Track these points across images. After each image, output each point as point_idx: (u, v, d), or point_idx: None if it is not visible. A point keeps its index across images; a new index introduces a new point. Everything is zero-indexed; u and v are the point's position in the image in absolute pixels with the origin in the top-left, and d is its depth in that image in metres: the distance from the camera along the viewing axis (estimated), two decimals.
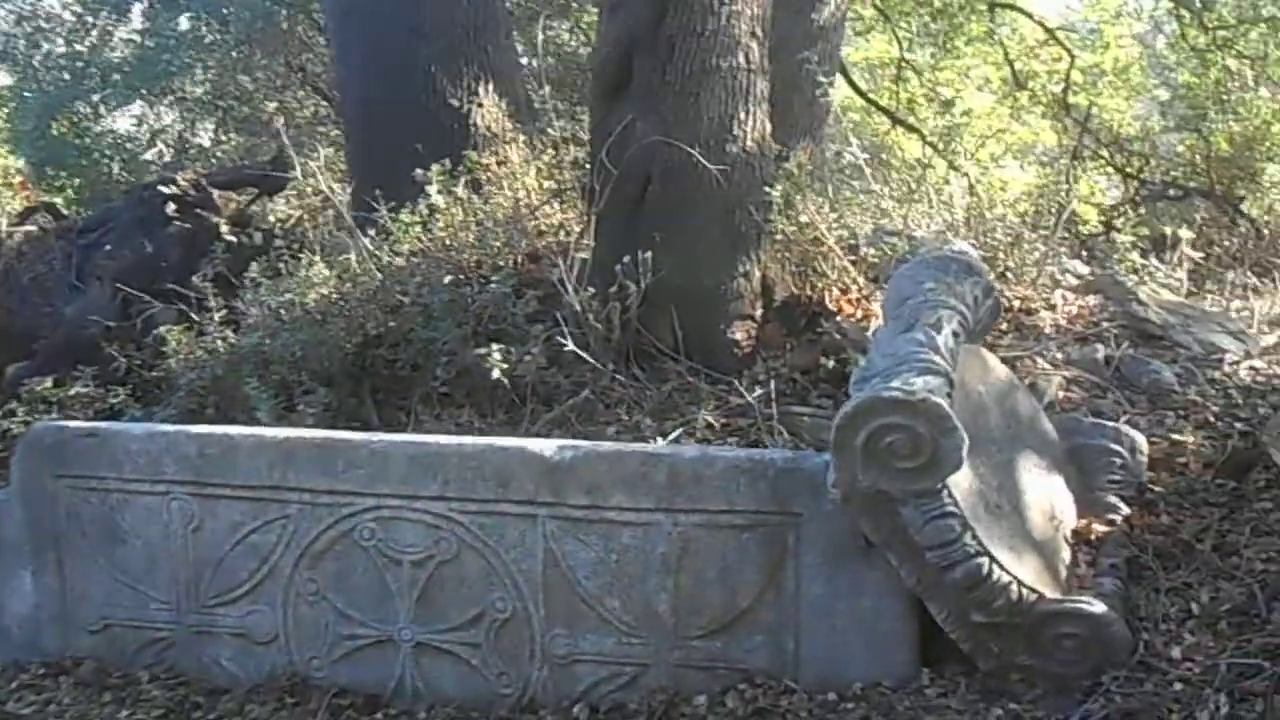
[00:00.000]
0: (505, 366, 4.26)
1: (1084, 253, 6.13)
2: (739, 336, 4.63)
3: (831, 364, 4.52)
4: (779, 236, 4.62)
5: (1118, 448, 3.87)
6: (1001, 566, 3.30)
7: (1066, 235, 6.15)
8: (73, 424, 4.08)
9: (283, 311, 5.00)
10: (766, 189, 4.52)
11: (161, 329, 5.15)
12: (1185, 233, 5.62)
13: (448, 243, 5.28)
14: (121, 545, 4.04)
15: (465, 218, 5.35)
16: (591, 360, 4.37)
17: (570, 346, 4.28)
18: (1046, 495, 3.66)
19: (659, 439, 4.14)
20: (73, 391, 5.10)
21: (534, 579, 3.72)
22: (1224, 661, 3.24)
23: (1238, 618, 3.45)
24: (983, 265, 3.70)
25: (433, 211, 5.31)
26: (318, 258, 5.57)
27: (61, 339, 6.18)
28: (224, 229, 6.98)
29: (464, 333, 4.74)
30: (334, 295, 5.19)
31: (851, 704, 3.48)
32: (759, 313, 4.71)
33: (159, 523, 3.98)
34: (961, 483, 3.33)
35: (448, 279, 5.07)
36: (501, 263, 5.11)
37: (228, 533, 3.92)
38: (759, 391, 4.35)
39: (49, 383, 5.14)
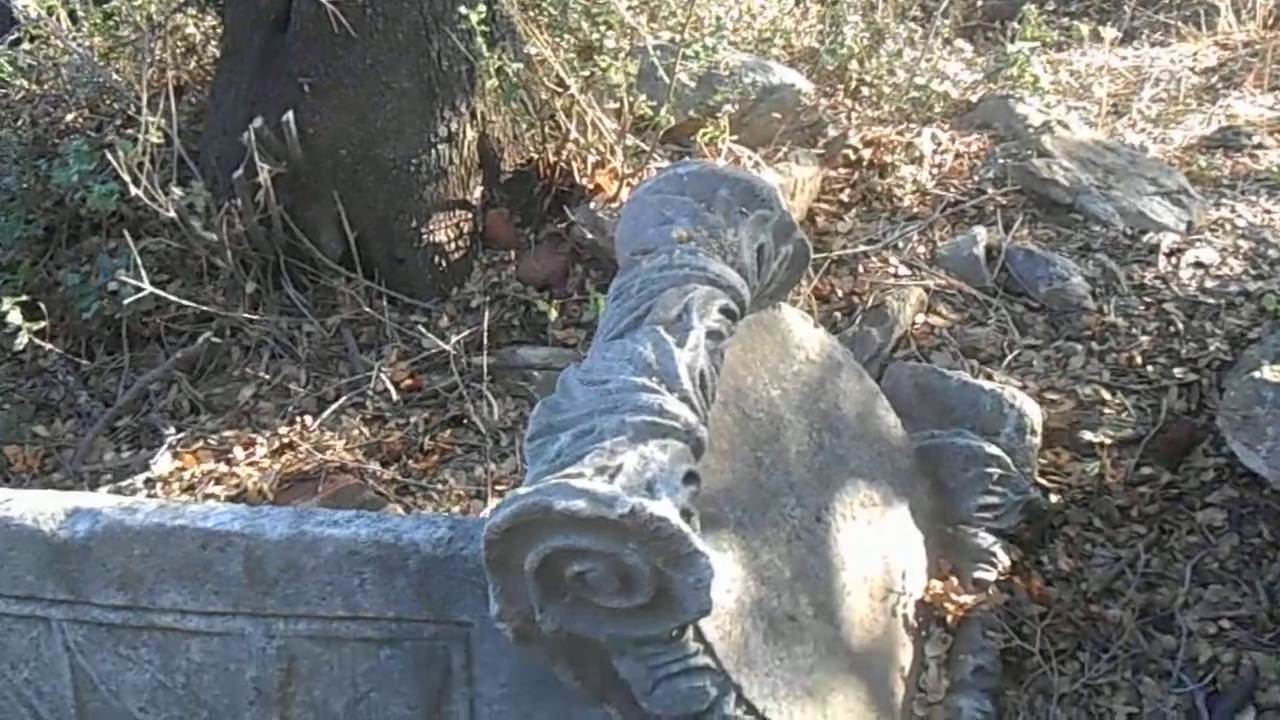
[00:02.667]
0: (38, 327, 2.65)
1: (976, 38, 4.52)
2: (442, 236, 3.04)
3: (588, 272, 2.99)
4: (496, 77, 2.95)
5: (992, 450, 2.45)
6: None
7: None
8: None
9: None
10: (463, 6, 2.81)
11: None
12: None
13: (39, 85, 3.53)
14: None
15: (66, 40, 3.57)
16: (184, 301, 2.78)
17: (145, 287, 2.66)
18: (879, 554, 2.26)
19: (301, 421, 2.64)
20: None
21: (64, 709, 2.30)
22: None
23: None
24: (772, 188, 2.13)
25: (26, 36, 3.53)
26: None
27: None
28: None
29: (31, 233, 3.08)
30: None
31: None
32: (475, 195, 3.10)
33: None
34: (725, 600, 1.92)
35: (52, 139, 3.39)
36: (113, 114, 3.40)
37: None
38: (467, 331, 2.81)
39: None
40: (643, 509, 1.67)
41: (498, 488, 2.67)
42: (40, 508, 2.20)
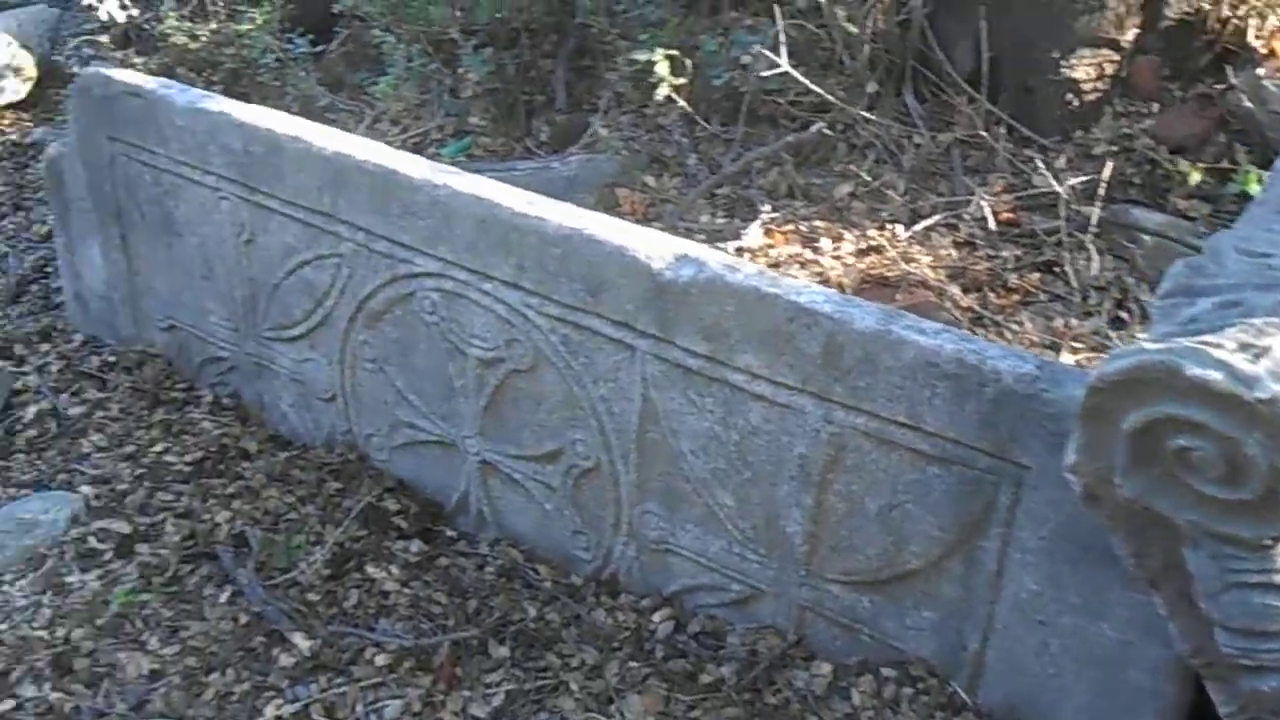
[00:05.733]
0: (678, 83, 2.79)
1: None
2: (1081, 73, 2.85)
3: (1228, 143, 2.71)
4: None
5: None
6: None
7: None
8: (120, 75, 3.11)
9: None
10: None
11: None
12: None
13: None
14: (178, 239, 3.17)
15: None
16: (815, 88, 2.80)
17: (778, 60, 2.72)
18: None
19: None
20: None
21: (626, 430, 2.52)
22: None
23: None
24: None
25: None
26: None
27: None
28: None
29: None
30: None
31: None
32: (1128, 37, 2.86)
33: (211, 222, 3.05)
34: None
35: None
36: None
37: (281, 256, 2.95)
38: (1083, 177, 2.66)
39: None
40: None
41: (1074, 344, 2.54)
42: (653, 246, 2.36)
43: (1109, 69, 2.86)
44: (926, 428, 2.13)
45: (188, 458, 3.11)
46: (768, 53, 2.76)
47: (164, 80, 3.03)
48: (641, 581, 2.66)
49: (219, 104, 2.93)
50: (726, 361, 2.31)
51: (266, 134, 2.82)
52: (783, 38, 2.76)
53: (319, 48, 4.00)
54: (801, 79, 2.84)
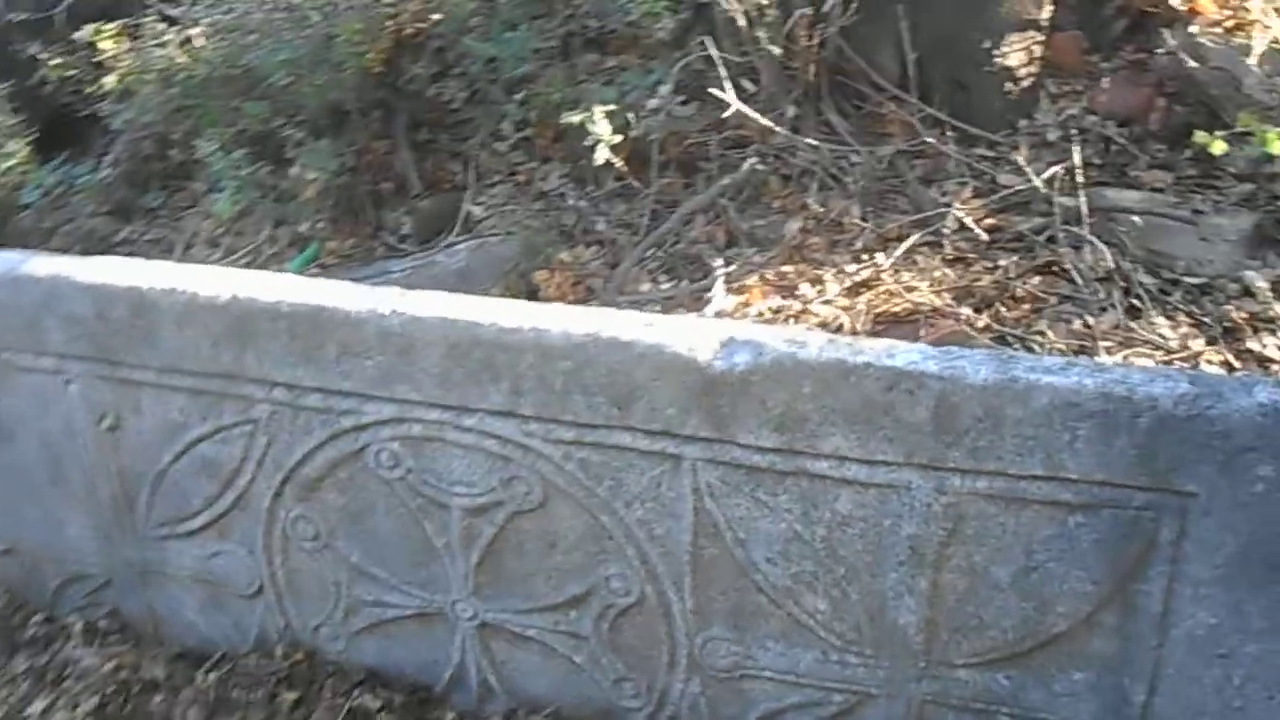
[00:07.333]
0: (615, 141, 2.43)
1: None
2: (1014, 60, 2.69)
3: (1171, 108, 2.61)
4: None
5: None
6: None
7: None
8: None
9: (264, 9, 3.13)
10: None
11: (89, 27, 3.31)
12: None
13: None
14: (7, 443, 2.51)
15: None
16: (747, 111, 2.50)
17: (727, 97, 2.41)
18: None
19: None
20: None
21: (675, 552, 2.14)
22: None
23: None
24: None
25: None
26: None
27: None
28: None
29: (549, 49, 2.86)
30: None
31: None
32: (1045, 15, 2.73)
33: (54, 414, 2.43)
34: None
35: None
36: None
37: (162, 437, 2.37)
38: (1051, 167, 2.49)
39: None
40: None
41: (1103, 344, 2.37)
42: (694, 337, 1.99)
43: (1036, 51, 2.72)
44: (1068, 475, 1.87)
45: (81, 709, 2.47)
46: (716, 91, 2.44)
47: None
48: (711, 717, 2.28)
49: (50, 265, 2.32)
50: (806, 450, 1.98)
51: (129, 292, 2.25)
52: (723, 72, 2.45)
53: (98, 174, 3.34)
54: (753, 114, 2.53)
